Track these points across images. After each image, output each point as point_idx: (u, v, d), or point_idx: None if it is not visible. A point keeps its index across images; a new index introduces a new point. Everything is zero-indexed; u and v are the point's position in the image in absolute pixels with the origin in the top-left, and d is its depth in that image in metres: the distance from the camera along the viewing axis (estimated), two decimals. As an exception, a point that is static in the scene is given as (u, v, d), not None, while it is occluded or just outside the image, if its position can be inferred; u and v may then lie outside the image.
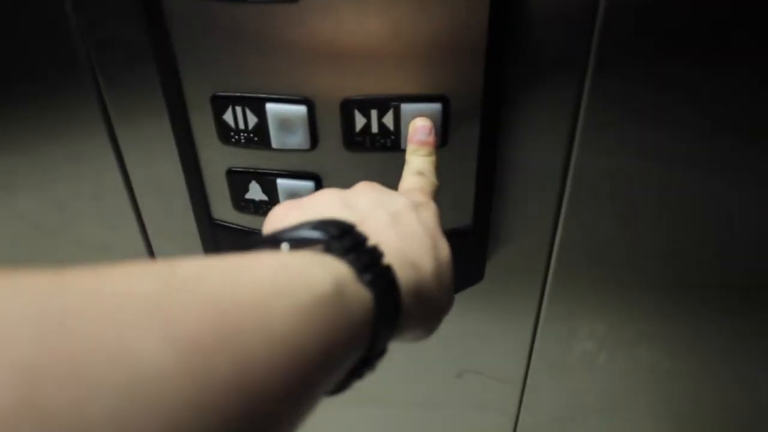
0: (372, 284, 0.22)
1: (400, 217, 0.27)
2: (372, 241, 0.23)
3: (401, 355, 0.48)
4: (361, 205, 0.27)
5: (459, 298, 0.47)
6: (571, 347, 0.51)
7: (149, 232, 0.45)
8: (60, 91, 0.39)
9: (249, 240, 0.24)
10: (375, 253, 0.23)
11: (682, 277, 0.46)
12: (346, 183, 0.38)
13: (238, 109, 0.36)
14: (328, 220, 0.24)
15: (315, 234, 0.23)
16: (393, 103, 0.35)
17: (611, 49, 0.34)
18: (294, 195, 0.39)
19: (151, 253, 0.46)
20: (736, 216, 0.41)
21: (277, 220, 0.28)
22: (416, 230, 0.27)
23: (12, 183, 0.44)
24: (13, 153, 0.43)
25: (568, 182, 0.40)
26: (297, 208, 0.28)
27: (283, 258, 0.21)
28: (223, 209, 0.41)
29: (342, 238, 0.23)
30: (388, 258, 0.24)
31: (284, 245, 0.23)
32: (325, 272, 0.21)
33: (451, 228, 0.41)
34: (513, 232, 0.44)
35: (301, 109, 0.35)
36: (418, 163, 0.34)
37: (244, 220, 0.41)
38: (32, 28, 0.37)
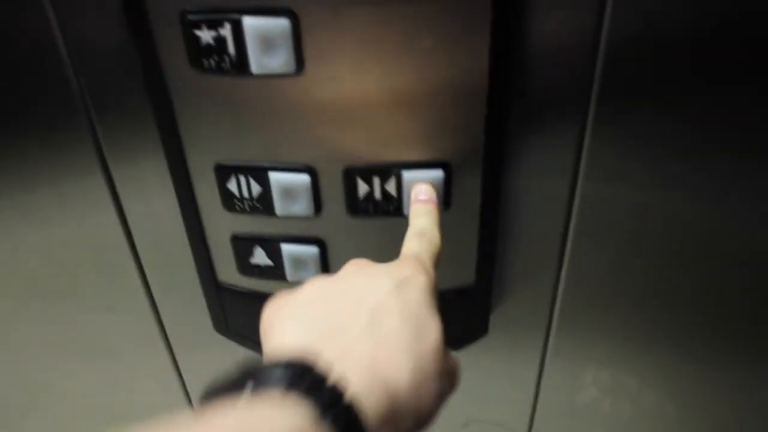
0: (334, 423, 0.22)
1: (381, 311, 0.27)
2: (335, 374, 0.24)
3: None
4: (343, 304, 0.28)
5: (464, 350, 0.47)
6: (575, 395, 0.51)
7: (153, 291, 0.46)
8: (65, 153, 0.40)
9: (217, 381, 0.24)
10: (336, 392, 0.23)
11: (688, 325, 0.46)
12: (349, 247, 0.39)
13: (242, 178, 0.36)
14: (291, 360, 0.24)
15: (278, 374, 0.23)
16: (395, 170, 0.35)
17: (611, 100, 0.35)
18: (299, 260, 0.39)
19: (156, 313, 0.47)
20: (746, 259, 0.42)
21: (268, 325, 0.28)
22: (396, 326, 0.27)
23: (15, 241, 0.45)
24: (13, 211, 0.43)
25: (570, 234, 0.41)
26: (286, 307, 0.28)
27: (240, 414, 0.22)
28: (228, 272, 0.41)
29: (303, 377, 0.23)
30: (356, 384, 0.24)
31: (247, 388, 0.23)
32: (284, 422, 0.21)
33: (455, 287, 0.41)
34: (516, 285, 0.44)
35: (304, 178, 0.36)
36: (420, 224, 0.34)
37: (249, 283, 0.41)
38: (33, 90, 0.37)
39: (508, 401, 0.52)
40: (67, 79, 0.36)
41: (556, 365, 0.49)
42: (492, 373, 0.50)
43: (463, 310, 0.43)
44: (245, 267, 0.40)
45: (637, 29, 0.32)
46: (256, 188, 0.36)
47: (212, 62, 0.32)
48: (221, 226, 0.39)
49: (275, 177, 0.36)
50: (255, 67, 0.32)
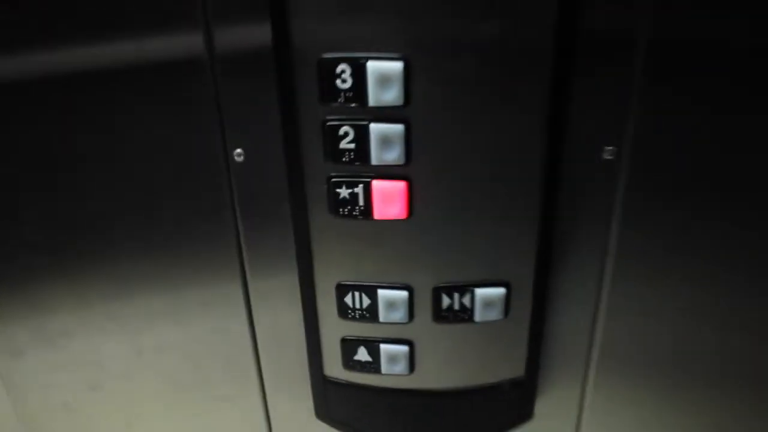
0: None
1: None
2: None
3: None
4: None
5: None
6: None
7: (266, 385, 0.57)
8: (211, 269, 0.53)
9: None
10: None
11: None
12: (432, 347, 0.51)
13: (357, 294, 0.49)
14: None
15: None
16: (470, 288, 0.48)
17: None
18: (393, 357, 0.51)
19: (265, 403, 0.58)
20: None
21: None
22: None
23: (159, 338, 0.56)
24: (160, 311, 0.55)
25: (597, 343, 0.53)
26: None
27: None
28: (334, 368, 0.53)
29: None
30: None
31: None
32: None
33: (510, 378, 0.53)
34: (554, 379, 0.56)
35: (403, 294, 0.48)
36: None
37: (349, 376, 0.53)
38: (189, 214, 0.50)
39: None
40: (224, 204, 0.50)
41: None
42: None
43: (516, 398, 0.55)
44: (349, 363, 0.52)
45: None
46: (366, 302, 0.49)
47: (346, 210, 0.46)
48: (334, 331, 0.51)
49: (381, 293, 0.49)
50: (377, 214, 0.46)
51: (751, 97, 0.43)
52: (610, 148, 0.45)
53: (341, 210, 0.46)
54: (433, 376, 0.53)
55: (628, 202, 0.47)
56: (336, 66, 0.42)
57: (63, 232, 0.52)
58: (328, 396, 0.55)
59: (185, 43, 0.44)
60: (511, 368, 0.53)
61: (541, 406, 0.56)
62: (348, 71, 0.42)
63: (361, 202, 0.45)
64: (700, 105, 0.44)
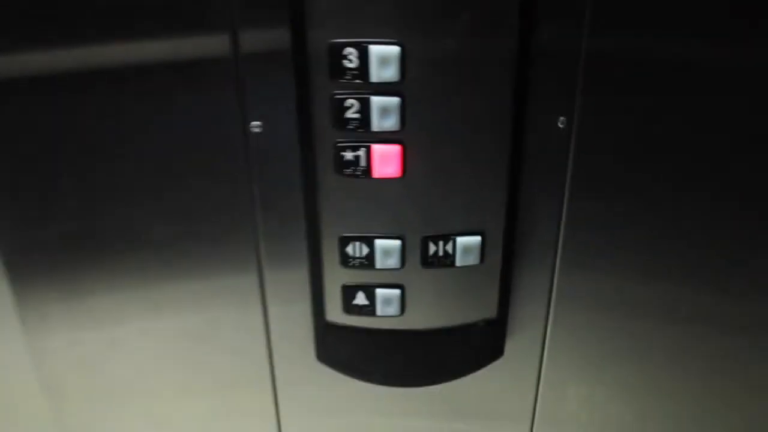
0: None
1: None
2: None
3: None
4: None
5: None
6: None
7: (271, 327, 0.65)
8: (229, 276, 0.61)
9: None
10: None
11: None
12: (420, 290, 0.60)
13: (356, 245, 0.58)
14: None
15: None
16: (452, 237, 0.58)
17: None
18: (386, 299, 0.60)
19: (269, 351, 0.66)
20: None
21: None
22: None
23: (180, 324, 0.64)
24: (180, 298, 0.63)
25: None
26: None
27: None
28: (334, 313, 0.62)
29: None
30: None
31: None
32: None
33: (485, 318, 0.63)
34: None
35: (396, 243, 0.58)
36: None
37: (348, 320, 0.62)
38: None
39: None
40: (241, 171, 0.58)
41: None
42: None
43: (490, 336, 0.64)
44: (349, 307, 0.61)
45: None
46: (365, 250, 0.58)
47: (349, 171, 0.55)
48: (335, 279, 0.60)
49: (378, 243, 0.58)
50: (376, 173, 0.55)
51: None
52: (563, 117, 0.56)
53: (345, 170, 0.55)
54: (420, 318, 0.62)
55: (579, 165, 0.58)
56: (344, 49, 0.51)
57: (90, 215, 0.60)
58: (328, 339, 0.64)
59: (212, 43, 0.53)
60: (486, 309, 0.62)
61: (509, 346, 0.66)
62: (354, 53, 0.51)
63: (362, 163, 0.55)
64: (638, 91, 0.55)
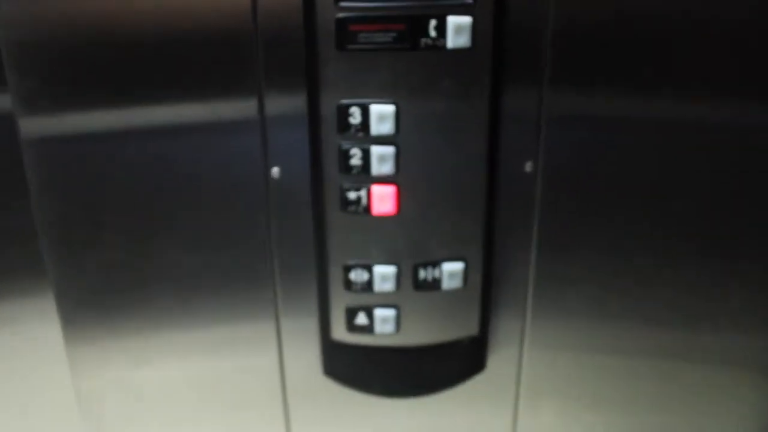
0: None
1: None
2: None
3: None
4: None
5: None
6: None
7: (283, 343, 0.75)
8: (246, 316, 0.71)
9: None
10: None
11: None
12: (412, 310, 0.71)
13: (359, 270, 0.68)
14: None
15: None
16: (439, 264, 0.69)
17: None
18: (384, 320, 0.70)
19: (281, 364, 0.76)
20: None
21: None
22: None
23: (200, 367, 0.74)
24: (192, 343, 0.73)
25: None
26: None
27: None
28: (338, 331, 0.72)
29: None
30: None
31: None
32: None
33: (469, 336, 0.73)
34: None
35: (392, 269, 0.68)
36: None
37: (350, 338, 0.72)
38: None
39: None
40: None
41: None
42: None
43: (473, 351, 0.74)
44: (351, 327, 0.71)
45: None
46: (365, 276, 0.69)
47: (352, 208, 0.66)
48: (340, 302, 0.71)
49: (376, 269, 0.68)
50: (374, 211, 0.66)
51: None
52: (529, 162, 0.67)
53: (349, 208, 0.66)
54: (413, 335, 0.72)
55: (545, 201, 0.69)
56: (349, 108, 0.62)
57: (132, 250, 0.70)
58: (333, 355, 0.74)
59: (242, 106, 0.64)
60: (469, 327, 0.73)
61: (491, 359, 0.76)
62: (358, 112, 0.63)
63: (363, 202, 0.66)
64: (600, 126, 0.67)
